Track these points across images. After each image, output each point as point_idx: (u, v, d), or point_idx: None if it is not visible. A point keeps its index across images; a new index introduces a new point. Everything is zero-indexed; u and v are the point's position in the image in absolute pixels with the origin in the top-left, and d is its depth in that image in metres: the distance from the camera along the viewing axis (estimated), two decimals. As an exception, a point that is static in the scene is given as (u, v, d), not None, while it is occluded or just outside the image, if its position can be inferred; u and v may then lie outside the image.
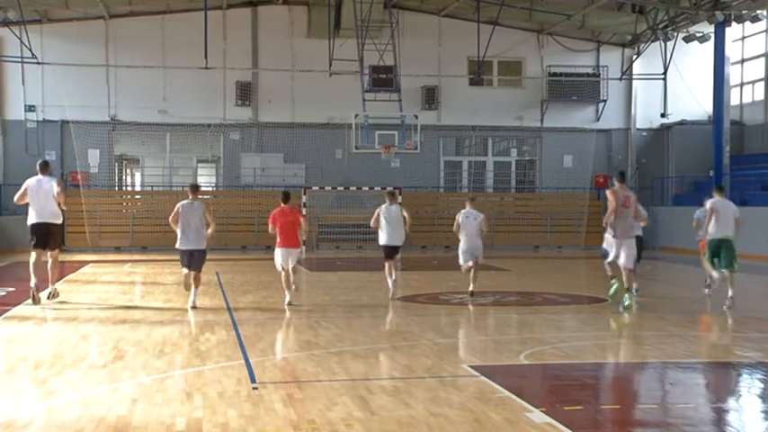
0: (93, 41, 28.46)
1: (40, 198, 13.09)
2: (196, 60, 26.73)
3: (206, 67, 26.70)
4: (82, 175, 27.58)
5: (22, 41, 26.20)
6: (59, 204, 13.27)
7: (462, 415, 6.62)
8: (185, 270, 13.11)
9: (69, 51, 27.78)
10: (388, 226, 14.19)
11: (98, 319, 12.07)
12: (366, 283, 17.84)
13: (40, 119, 28.34)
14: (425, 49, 29.67)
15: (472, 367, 8.47)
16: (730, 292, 12.95)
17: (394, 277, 14.36)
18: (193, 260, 12.96)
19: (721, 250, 13.31)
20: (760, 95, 29.10)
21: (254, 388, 7.54)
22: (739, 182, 27.11)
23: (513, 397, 7.19)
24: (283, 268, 13.30)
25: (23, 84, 28.03)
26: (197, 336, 10.55)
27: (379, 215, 14.17)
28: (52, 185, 13.14)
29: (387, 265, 14.44)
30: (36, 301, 13.08)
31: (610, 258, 12.89)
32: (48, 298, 13.29)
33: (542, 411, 6.69)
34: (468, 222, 14.20)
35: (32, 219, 13.20)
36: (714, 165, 27.59)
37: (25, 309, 13.03)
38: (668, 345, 10.03)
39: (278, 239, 13.27)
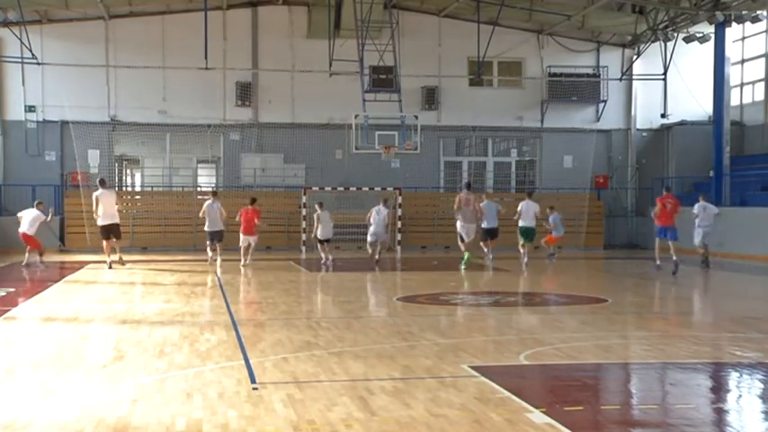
0: (93, 42, 28.45)
1: (106, 205, 19.93)
2: (196, 60, 26.74)
3: (206, 68, 26.71)
4: (82, 175, 27.56)
5: (22, 42, 26.21)
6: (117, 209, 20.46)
7: (462, 415, 6.63)
8: (209, 243, 21.21)
9: (69, 51, 27.79)
10: (324, 224, 21.39)
11: (98, 319, 12.08)
12: (366, 283, 17.84)
13: (40, 119, 28.34)
14: (425, 50, 29.68)
15: (472, 367, 8.47)
16: (525, 259, 20.82)
17: (330, 257, 21.32)
18: (215, 236, 21.10)
19: (527, 233, 21.13)
20: (760, 96, 29.09)
21: (254, 388, 7.54)
22: (739, 182, 27.10)
23: (513, 397, 7.19)
24: (244, 245, 20.96)
25: (23, 84, 28.03)
26: (197, 336, 10.55)
27: (318, 217, 21.34)
28: (113, 196, 20.59)
29: (320, 246, 21.50)
30: (112, 265, 20.10)
31: (465, 240, 20.07)
32: (119, 262, 20.50)
33: (542, 412, 6.70)
34: (378, 216, 21.29)
35: (102, 221, 20.04)
36: (714, 165, 27.58)
37: (25, 309, 13.04)
38: (668, 345, 10.03)
39: (242, 228, 20.94)
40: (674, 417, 6.87)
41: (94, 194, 20.22)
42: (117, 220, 20.44)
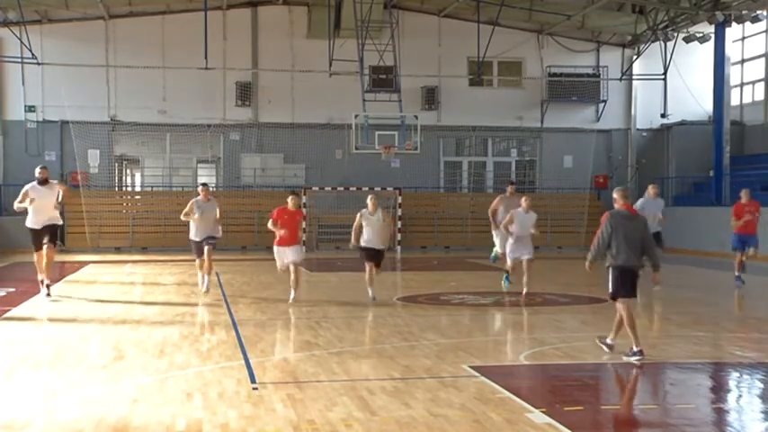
0: (93, 41, 28.46)
1: (42, 204, 14.01)
2: (196, 60, 26.74)
3: (206, 68, 26.71)
4: (82, 175, 27.58)
5: (22, 42, 26.22)
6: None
7: (462, 415, 6.63)
8: (198, 258, 14.79)
9: (69, 51, 27.79)
10: (371, 230, 13.78)
11: (98, 319, 12.07)
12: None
13: (40, 119, 28.34)
14: (425, 50, 29.67)
15: (472, 367, 8.47)
16: None
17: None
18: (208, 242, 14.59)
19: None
20: (760, 96, 29.10)
21: (254, 388, 7.54)
22: (739, 182, 27.07)
23: (513, 397, 7.19)
24: (284, 267, 13.74)
25: (23, 84, 28.04)
26: (197, 336, 10.55)
27: (361, 220, 13.75)
28: (53, 195, 14.18)
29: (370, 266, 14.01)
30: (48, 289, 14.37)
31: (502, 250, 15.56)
32: (47, 291, 14.27)
33: (542, 412, 6.70)
34: (522, 223, 14.34)
35: (32, 224, 14.20)
36: (714, 165, 27.59)
37: (25, 309, 13.04)
38: (669, 345, 10.03)
39: (279, 236, 13.49)
40: (674, 417, 6.87)
41: (26, 187, 14.22)
42: (54, 222, 14.29)
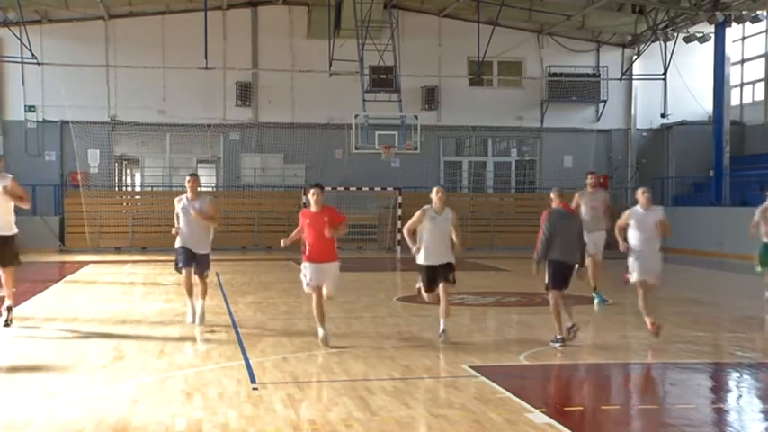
0: (92, 42, 28.44)
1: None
2: (196, 60, 26.73)
3: (206, 68, 26.70)
4: (82, 175, 27.56)
5: (22, 42, 26.21)
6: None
7: (462, 415, 6.63)
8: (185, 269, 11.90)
9: (69, 51, 27.77)
10: (432, 237, 9.95)
11: (98, 319, 12.08)
12: (366, 283, 17.84)
13: (40, 119, 28.32)
14: (425, 50, 29.67)
15: (472, 367, 8.47)
16: None
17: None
18: (199, 262, 11.91)
19: None
20: (760, 96, 29.08)
21: (254, 388, 7.55)
22: (739, 182, 27.08)
23: (513, 397, 7.19)
24: (315, 291, 9.83)
25: (23, 84, 28.01)
26: (197, 336, 10.55)
27: (422, 218, 9.93)
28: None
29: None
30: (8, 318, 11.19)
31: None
32: (6, 320, 11.13)
33: (542, 412, 6.70)
34: (643, 228, 10.39)
35: None
36: (714, 165, 27.57)
37: (25, 309, 13.04)
38: (669, 345, 10.03)
39: (308, 247, 9.79)
40: (674, 417, 6.87)
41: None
42: (7, 232, 11.30)
